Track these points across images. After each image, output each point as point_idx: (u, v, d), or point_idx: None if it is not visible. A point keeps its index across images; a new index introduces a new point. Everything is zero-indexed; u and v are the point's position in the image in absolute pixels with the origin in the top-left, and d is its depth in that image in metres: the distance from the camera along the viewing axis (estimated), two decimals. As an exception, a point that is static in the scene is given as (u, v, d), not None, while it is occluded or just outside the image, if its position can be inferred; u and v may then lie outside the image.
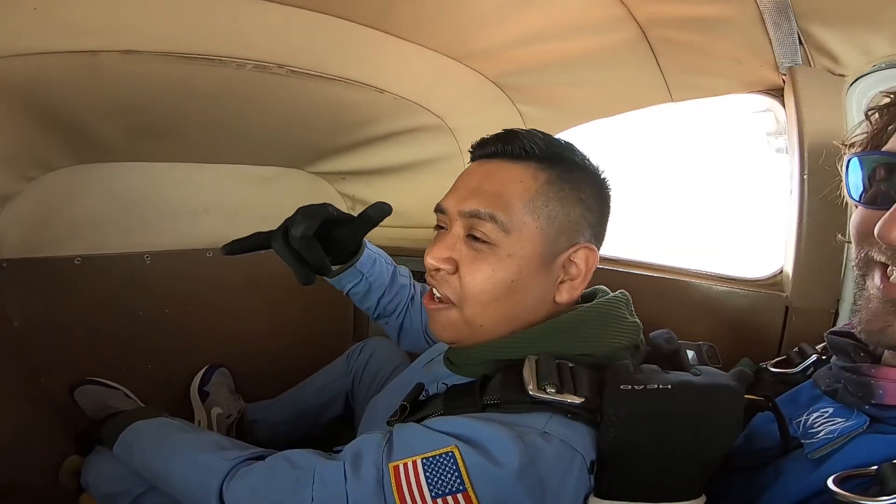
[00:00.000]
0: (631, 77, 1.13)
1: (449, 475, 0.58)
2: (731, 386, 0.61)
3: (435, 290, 0.76)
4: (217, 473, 0.74)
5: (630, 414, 0.60)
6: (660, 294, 1.19)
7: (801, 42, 0.88)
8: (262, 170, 1.50)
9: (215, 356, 1.51)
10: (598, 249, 0.78)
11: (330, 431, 1.42)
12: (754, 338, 1.06)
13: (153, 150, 1.30)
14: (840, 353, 0.64)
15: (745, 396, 0.65)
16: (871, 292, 0.56)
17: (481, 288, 0.71)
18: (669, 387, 0.60)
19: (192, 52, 0.97)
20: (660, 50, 1.05)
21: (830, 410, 0.61)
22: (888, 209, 0.52)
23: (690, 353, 0.79)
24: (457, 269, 0.73)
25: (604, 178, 0.78)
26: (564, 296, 0.74)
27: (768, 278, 1.07)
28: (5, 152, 1.06)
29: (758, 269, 1.09)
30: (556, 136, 0.77)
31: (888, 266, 0.54)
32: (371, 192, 1.60)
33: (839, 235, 0.86)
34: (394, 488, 0.60)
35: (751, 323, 1.06)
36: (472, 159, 0.80)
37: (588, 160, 0.77)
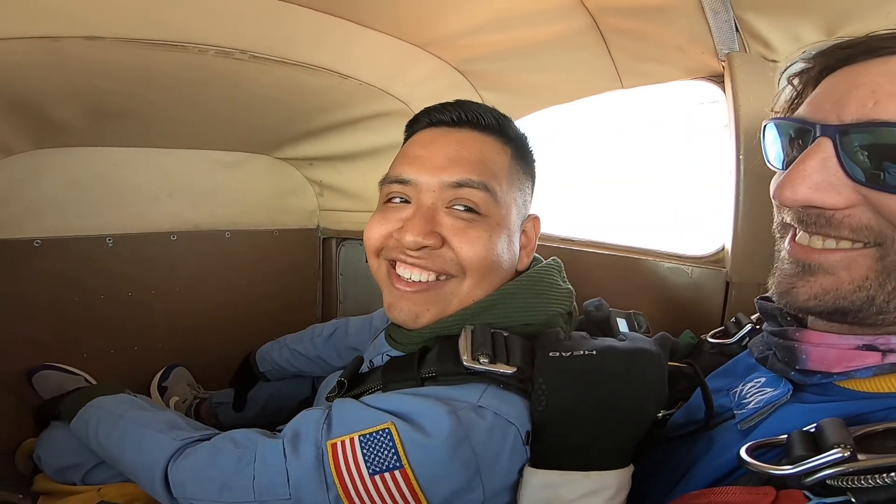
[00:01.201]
0: (584, 64, 1.16)
1: (386, 452, 0.59)
2: (651, 350, 0.63)
3: (409, 272, 0.72)
4: (164, 452, 0.74)
5: (559, 380, 0.61)
6: (611, 271, 1.24)
7: (737, 29, 0.93)
8: (227, 155, 1.50)
9: (178, 340, 1.50)
10: None
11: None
12: (698, 312, 1.11)
13: (116, 135, 1.28)
14: (769, 318, 0.65)
15: (669, 363, 0.67)
16: (783, 254, 0.57)
17: (483, 256, 0.70)
18: (594, 352, 0.61)
19: (154, 38, 0.96)
20: (610, 38, 1.09)
21: (763, 380, 0.62)
22: None
23: (622, 321, 0.82)
24: (443, 243, 0.70)
25: (532, 147, 0.81)
26: (525, 261, 0.78)
27: (711, 255, 1.12)
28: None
29: (702, 246, 1.14)
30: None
31: (796, 228, 0.55)
32: (338, 178, 1.62)
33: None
34: (332, 466, 0.60)
35: (695, 298, 1.11)
36: (421, 126, 0.79)
37: (522, 131, 0.80)
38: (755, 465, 0.49)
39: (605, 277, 1.24)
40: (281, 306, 1.69)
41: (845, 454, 0.43)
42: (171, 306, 1.49)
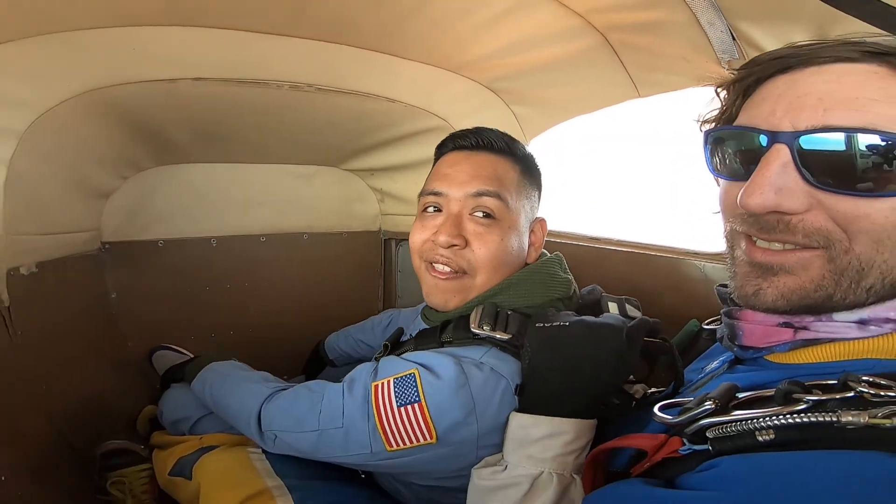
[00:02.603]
0: (601, 77, 1.24)
1: (410, 390, 0.77)
2: (613, 325, 0.74)
3: (442, 266, 0.90)
4: (258, 398, 0.94)
5: (538, 343, 0.76)
6: (631, 266, 1.31)
7: (734, 38, 0.97)
8: (304, 168, 1.74)
9: (265, 326, 1.75)
10: None
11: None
12: (711, 304, 1.14)
13: (216, 153, 1.56)
14: (724, 302, 0.70)
15: (649, 339, 0.78)
16: (739, 258, 0.58)
17: (494, 254, 0.88)
18: (567, 324, 0.76)
19: (243, 77, 1.21)
20: (622, 52, 1.16)
21: (722, 358, 0.69)
22: (746, 181, 0.55)
23: (613, 304, 0.93)
24: (466, 244, 0.88)
25: (537, 163, 0.98)
26: (532, 255, 0.94)
27: (723, 252, 1.15)
28: (109, 157, 1.35)
29: (716, 243, 1.17)
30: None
31: (752, 235, 0.57)
32: (395, 186, 1.81)
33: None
34: (373, 401, 0.79)
35: (707, 291, 1.14)
36: (448, 150, 0.96)
37: (528, 150, 0.97)
38: (657, 416, 0.56)
39: (626, 272, 1.31)
40: (349, 299, 1.91)
41: (714, 407, 0.50)
42: (259, 298, 1.75)
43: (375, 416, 0.77)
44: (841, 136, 0.49)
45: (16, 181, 0.97)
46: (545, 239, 0.98)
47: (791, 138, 0.51)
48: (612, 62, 1.18)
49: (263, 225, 1.73)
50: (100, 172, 1.35)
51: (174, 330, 1.58)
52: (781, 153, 0.51)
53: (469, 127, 0.96)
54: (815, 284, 0.52)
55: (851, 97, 0.50)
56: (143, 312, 1.54)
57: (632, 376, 0.87)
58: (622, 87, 1.23)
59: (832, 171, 0.50)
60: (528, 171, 0.95)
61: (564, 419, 0.70)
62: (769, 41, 0.94)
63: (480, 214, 0.88)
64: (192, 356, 1.51)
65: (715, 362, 0.71)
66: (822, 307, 0.53)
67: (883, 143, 0.48)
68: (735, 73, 0.62)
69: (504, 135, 0.94)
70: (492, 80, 1.38)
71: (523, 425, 0.72)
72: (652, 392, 0.81)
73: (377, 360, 0.91)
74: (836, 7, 0.66)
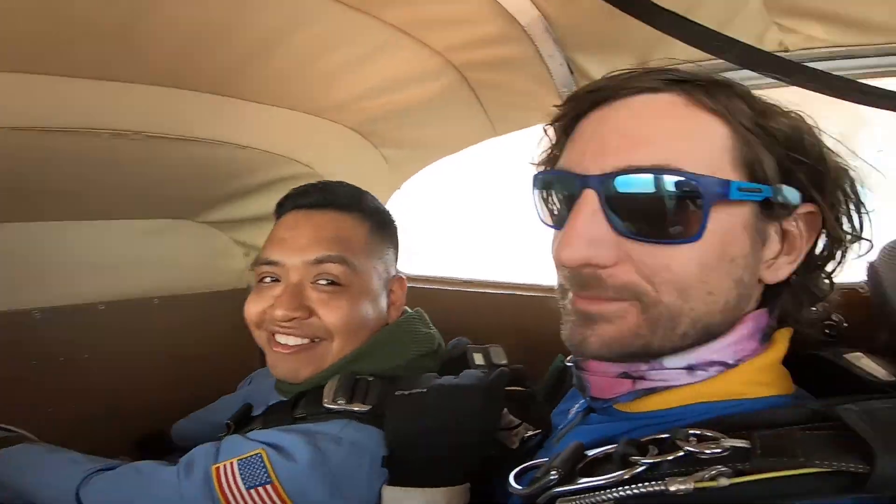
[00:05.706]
0: (463, 116, 1.22)
1: (258, 471, 0.69)
2: (471, 385, 0.71)
3: (285, 338, 0.81)
4: (73, 481, 0.78)
5: (398, 413, 0.71)
6: (498, 308, 1.28)
7: (571, 71, 0.98)
8: (150, 223, 1.49)
9: (116, 399, 1.44)
10: None
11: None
12: None
13: (28, 211, 1.28)
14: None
15: (513, 389, 0.76)
16: (568, 307, 0.53)
17: (346, 321, 0.80)
18: (425, 390, 0.71)
19: (47, 125, 0.99)
20: (479, 90, 1.15)
21: (581, 401, 0.65)
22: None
23: (479, 355, 0.87)
24: (311, 313, 0.79)
25: (392, 217, 0.92)
26: (393, 315, 0.87)
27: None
28: None
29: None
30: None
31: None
32: (262, 236, 1.55)
33: None
34: (216, 484, 0.70)
35: None
36: (287, 209, 0.87)
37: (381, 204, 0.91)
38: (511, 486, 0.52)
39: (497, 313, 1.27)
40: (223, 364, 1.59)
41: (556, 477, 0.46)
42: (106, 370, 1.43)
43: (222, 499, 0.70)
44: (647, 177, 0.45)
45: None
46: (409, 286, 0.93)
47: (598, 182, 0.47)
48: (470, 101, 1.17)
49: (100, 291, 1.44)
50: None
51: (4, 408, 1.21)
52: (590, 199, 0.47)
53: (337, 173, 0.92)
54: (632, 333, 0.49)
55: (651, 133, 0.47)
56: None
57: (516, 421, 0.80)
58: (481, 127, 1.23)
59: (635, 218, 0.46)
60: (380, 228, 0.89)
61: (436, 489, 0.66)
62: (602, 72, 0.95)
63: (324, 282, 0.80)
64: (25, 435, 1.17)
65: (576, 406, 0.67)
66: (646, 354, 0.51)
67: (680, 183, 0.45)
68: (557, 110, 0.59)
69: (352, 189, 0.88)
70: (358, 122, 1.30)
71: (396, 498, 0.68)
72: (529, 436, 0.76)
73: (220, 437, 0.80)
74: (659, 29, 0.65)
